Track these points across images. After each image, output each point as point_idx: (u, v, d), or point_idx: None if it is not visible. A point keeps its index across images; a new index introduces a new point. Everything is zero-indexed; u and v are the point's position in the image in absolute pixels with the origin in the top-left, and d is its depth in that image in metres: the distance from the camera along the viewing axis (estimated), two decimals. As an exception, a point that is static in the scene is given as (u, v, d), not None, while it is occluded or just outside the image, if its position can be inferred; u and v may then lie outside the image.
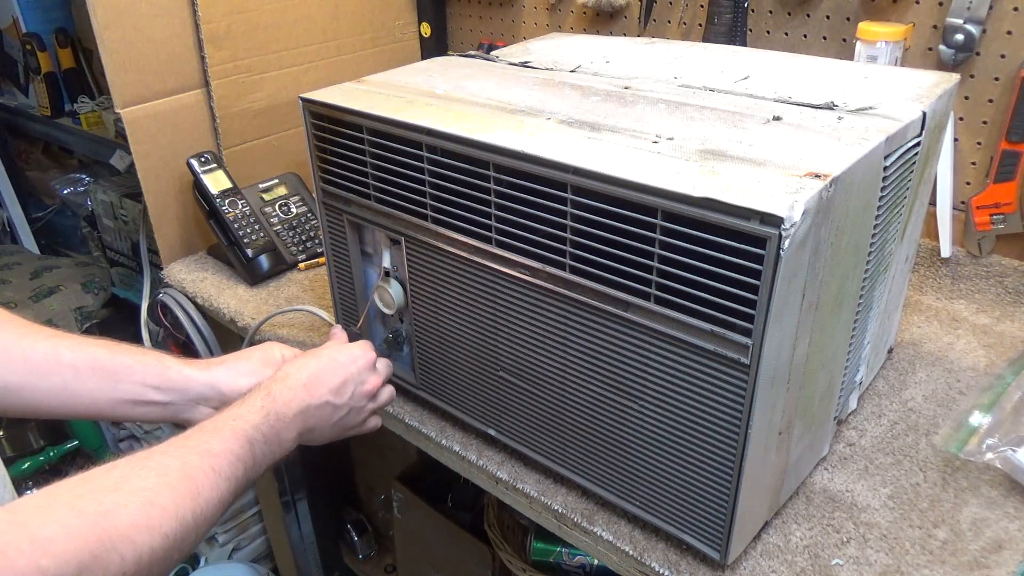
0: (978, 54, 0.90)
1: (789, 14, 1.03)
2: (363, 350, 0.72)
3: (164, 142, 1.10)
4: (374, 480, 1.52)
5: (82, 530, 0.43)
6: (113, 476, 0.49)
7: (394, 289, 0.77)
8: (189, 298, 1.11)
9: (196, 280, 1.12)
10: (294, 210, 1.18)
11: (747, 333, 0.51)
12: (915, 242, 0.82)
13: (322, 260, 1.13)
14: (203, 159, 1.09)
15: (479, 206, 0.65)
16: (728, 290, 0.51)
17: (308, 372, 0.67)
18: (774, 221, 0.47)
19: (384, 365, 0.75)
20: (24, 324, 0.65)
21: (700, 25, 1.12)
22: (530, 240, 0.62)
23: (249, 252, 1.08)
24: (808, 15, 1.02)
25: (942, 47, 0.90)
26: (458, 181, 0.65)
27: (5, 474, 0.62)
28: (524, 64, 0.84)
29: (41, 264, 1.75)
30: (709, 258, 0.51)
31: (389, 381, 0.76)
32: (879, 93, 0.69)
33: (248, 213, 1.10)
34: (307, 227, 1.17)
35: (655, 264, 0.54)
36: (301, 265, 1.14)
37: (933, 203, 0.95)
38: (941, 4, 0.91)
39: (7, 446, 1.61)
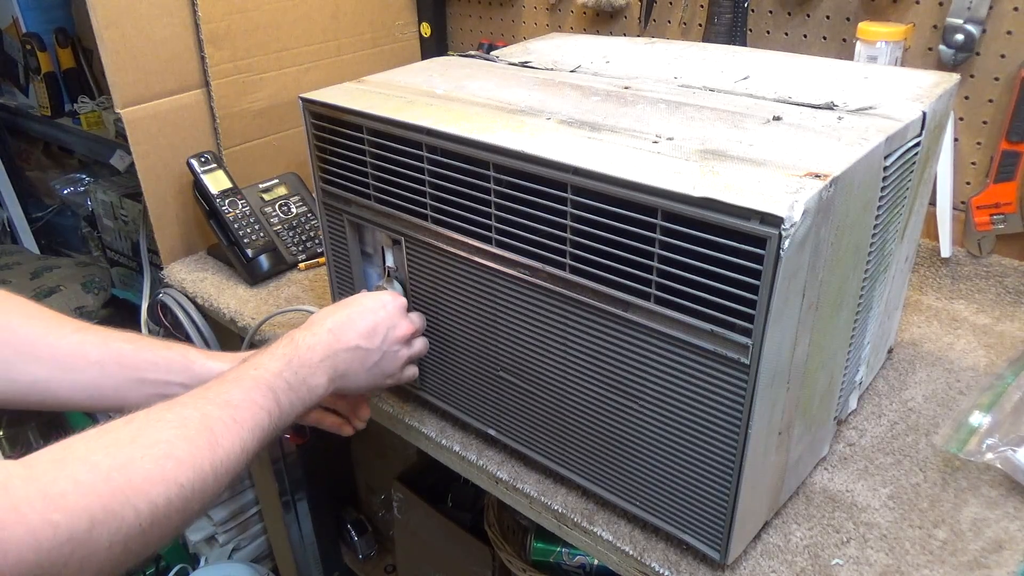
0: (978, 54, 0.90)
1: (789, 14, 1.03)
2: (392, 296, 0.72)
3: (164, 142, 1.10)
4: (374, 480, 1.52)
5: (95, 484, 0.43)
6: (130, 429, 0.48)
7: (394, 289, 0.77)
8: (189, 298, 1.11)
9: (196, 280, 1.12)
10: (294, 210, 1.18)
11: (747, 333, 0.51)
12: (915, 242, 0.82)
13: (322, 260, 1.13)
14: (203, 159, 1.09)
15: (479, 206, 0.65)
16: (728, 290, 0.51)
17: (335, 318, 0.67)
18: (774, 221, 0.47)
19: (417, 315, 0.74)
20: (52, 317, 0.65)
21: (700, 25, 1.12)
22: (530, 240, 0.62)
23: (249, 252, 1.08)
24: (808, 15, 1.02)
25: (942, 47, 0.90)
26: (458, 181, 0.65)
27: None
28: (524, 64, 0.84)
29: (41, 264, 1.75)
30: (709, 258, 0.51)
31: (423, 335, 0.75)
32: (879, 93, 0.69)
33: (248, 213, 1.10)
34: (307, 227, 1.17)
35: (655, 264, 0.54)
36: (301, 265, 1.14)
37: (933, 203, 0.95)
38: (941, 4, 0.91)
39: (7, 446, 1.61)
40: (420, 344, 0.74)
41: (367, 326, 0.67)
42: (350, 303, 0.70)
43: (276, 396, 0.58)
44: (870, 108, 0.65)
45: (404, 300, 0.72)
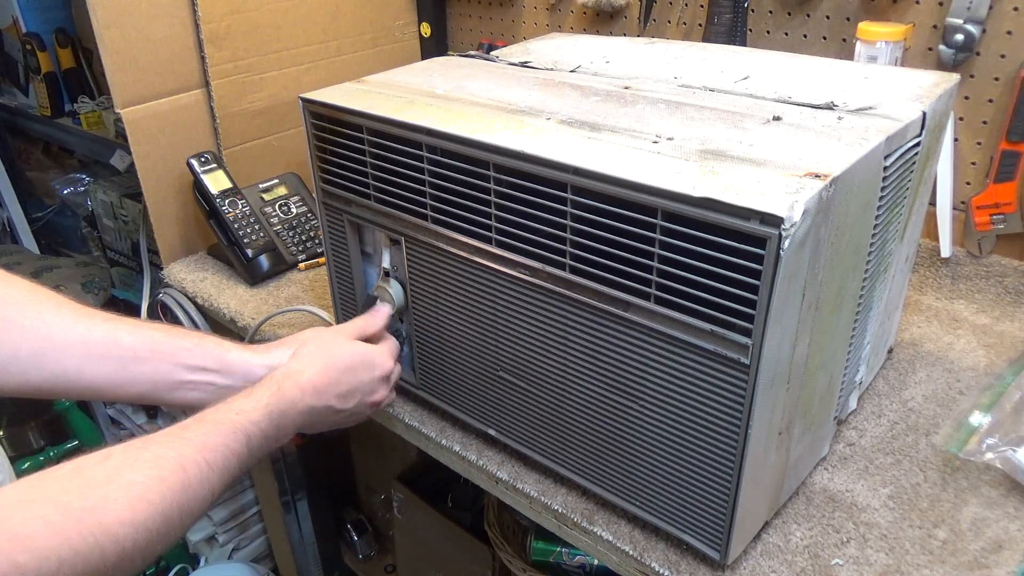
0: (978, 54, 0.90)
1: (789, 14, 1.03)
2: (384, 359, 0.71)
3: (164, 142, 1.10)
4: (374, 480, 1.52)
5: (64, 526, 0.43)
6: (106, 468, 0.48)
7: (394, 289, 0.77)
8: (189, 298, 1.11)
9: (196, 280, 1.12)
10: (294, 210, 1.18)
11: (747, 333, 0.51)
12: (915, 242, 0.82)
13: (322, 260, 1.13)
14: (203, 159, 1.09)
15: (479, 206, 0.65)
16: (728, 290, 0.51)
17: (321, 373, 0.66)
18: (774, 221, 0.47)
19: (397, 374, 0.75)
20: (80, 307, 0.65)
21: (700, 25, 1.12)
22: (530, 240, 0.62)
23: (249, 252, 1.08)
24: (808, 15, 1.02)
25: (942, 47, 0.90)
26: (458, 181, 0.65)
27: (9, 467, 0.63)
28: (524, 64, 0.84)
29: (41, 264, 1.75)
30: (709, 258, 0.51)
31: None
32: (879, 93, 0.69)
33: (248, 213, 1.10)
34: (307, 227, 1.17)
35: (655, 264, 0.54)
36: (301, 265, 1.14)
37: (933, 203, 0.95)
38: (941, 4, 0.91)
39: (7, 446, 1.61)
40: (388, 400, 0.74)
41: (347, 389, 0.67)
42: (340, 353, 0.68)
43: (249, 443, 0.58)
44: (870, 108, 0.65)
45: (392, 365, 0.72)
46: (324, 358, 0.67)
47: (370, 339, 0.73)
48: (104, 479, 0.47)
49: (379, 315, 0.75)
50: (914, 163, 0.67)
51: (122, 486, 0.47)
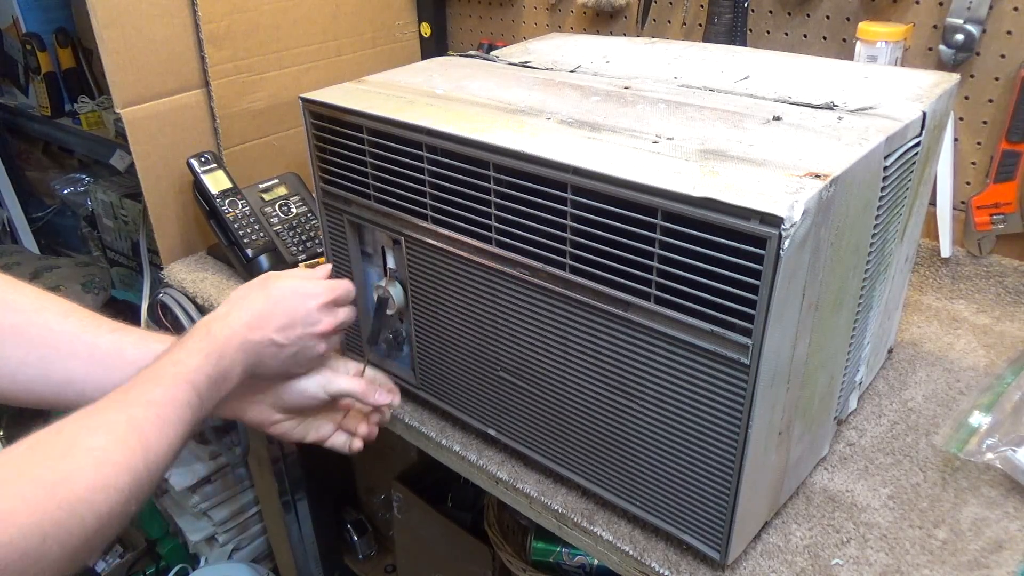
0: (978, 54, 0.90)
1: (789, 14, 1.03)
2: (317, 288, 0.69)
3: (164, 142, 1.10)
4: (374, 480, 1.52)
5: (40, 499, 0.44)
6: (62, 440, 0.48)
7: (394, 289, 0.77)
8: (189, 298, 1.11)
9: (196, 280, 1.12)
10: (294, 210, 1.18)
11: (747, 333, 0.51)
12: (915, 242, 0.82)
13: (322, 260, 1.13)
14: (203, 159, 1.09)
15: (479, 206, 0.65)
16: (728, 290, 0.51)
17: (252, 311, 0.65)
18: (774, 221, 0.47)
19: (347, 314, 0.71)
20: (88, 315, 0.64)
21: (700, 25, 1.12)
22: (530, 240, 0.62)
23: (249, 252, 1.08)
24: (808, 15, 1.02)
25: (942, 47, 0.90)
26: (458, 181, 0.65)
27: None
28: (524, 64, 0.84)
29: (41, 264, 1.75)
30: (709, 258, 0.51)
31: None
32: (879, 93, 0.69)
33: (248, 213, 1.10)
34: (307, 227, 1.17)
35: (655, 264, 0.54)
36: (301, 265, 1.13)
37: (933, 203, 0.95)
38: (941, 4, 0.91)
39: (7, 446, 1.61)
40: (335, 338, 0.71)
41: (283, 321, 0.65)
42: (271, 289, 0.67)
43: (198, 390, 0.57)
44: (870, 108, 0.65)
45: (333, 294, 0.69)
46: (252, 296, 0.66)
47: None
48: (65, 450, 0.47)
49: (321, 269, 0.73)
50: (914, 163, 0.67)
51: (84, 453, 0.48)
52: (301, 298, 0.67)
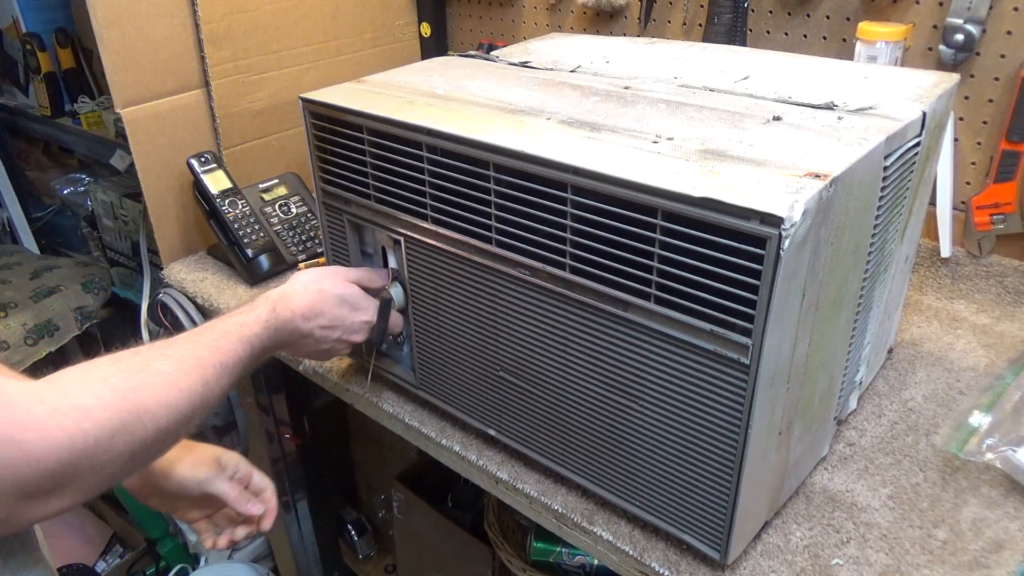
0: (978, 54, 0.90)
1: (789, 14, 1.03)
2: (371, 307, 0.76)
3: (164, 142, 1.10)
4: (374, 480, 1.52)
5: (115, 400, 0.50)
6: (138, 360, 0.55)
7: (394, 289, 0.77)
8: (189, 298, 1.11)
9: (196, 280, 1.12)
10: (294, 210, 1.18)
11: (747, 333, 0.51)
12: (915, 242, 0.82)
13: (322, 260, 1.13)
14: (203, 159, 1.09)
15: (479, 206, 0.65)
16: (728, 290, 0.51)
17: (309, 302, 0.71)
18: (774, 221, 0.47)
19: (376, 331, 0.77)
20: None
21: (700, 25, 1.12)
22: (530, 240, 0.62)
23: (249, 252, 1.08)
24: (808, 15, 1.02)
25: (942, 47, 0.90)
26: (458, 181, 0.65)
27: None
28: (524, 64, 0.84)
29: (41, 264, 1.75)
30: (709, 258, 0.51)
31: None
32: (879, 93, 0.69)
33: (248, 213, 1.10)
34: (307, 227, 1.17)
35: (655, 264, 0.54)
36: (301, 265, 1.13)
37: (933, 203, 0.95)
38: (941, 4, 0.91)
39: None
40: (360, 336, 0.77)
41: (330, 322, 0.73)
42: (333, 287, 0.73)
43: (252, 351, 0.66)
44: (870, 108, 0.65)
45: (374, 318, 0.76)
46: (318, 288, 0.73)
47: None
48: (139, 368, 0.54)
49: (381, 272, 0.79)
50: (914, 163, 0.67)
51: (155, 373, 0.54)
52: (354, 309, 0.75)
